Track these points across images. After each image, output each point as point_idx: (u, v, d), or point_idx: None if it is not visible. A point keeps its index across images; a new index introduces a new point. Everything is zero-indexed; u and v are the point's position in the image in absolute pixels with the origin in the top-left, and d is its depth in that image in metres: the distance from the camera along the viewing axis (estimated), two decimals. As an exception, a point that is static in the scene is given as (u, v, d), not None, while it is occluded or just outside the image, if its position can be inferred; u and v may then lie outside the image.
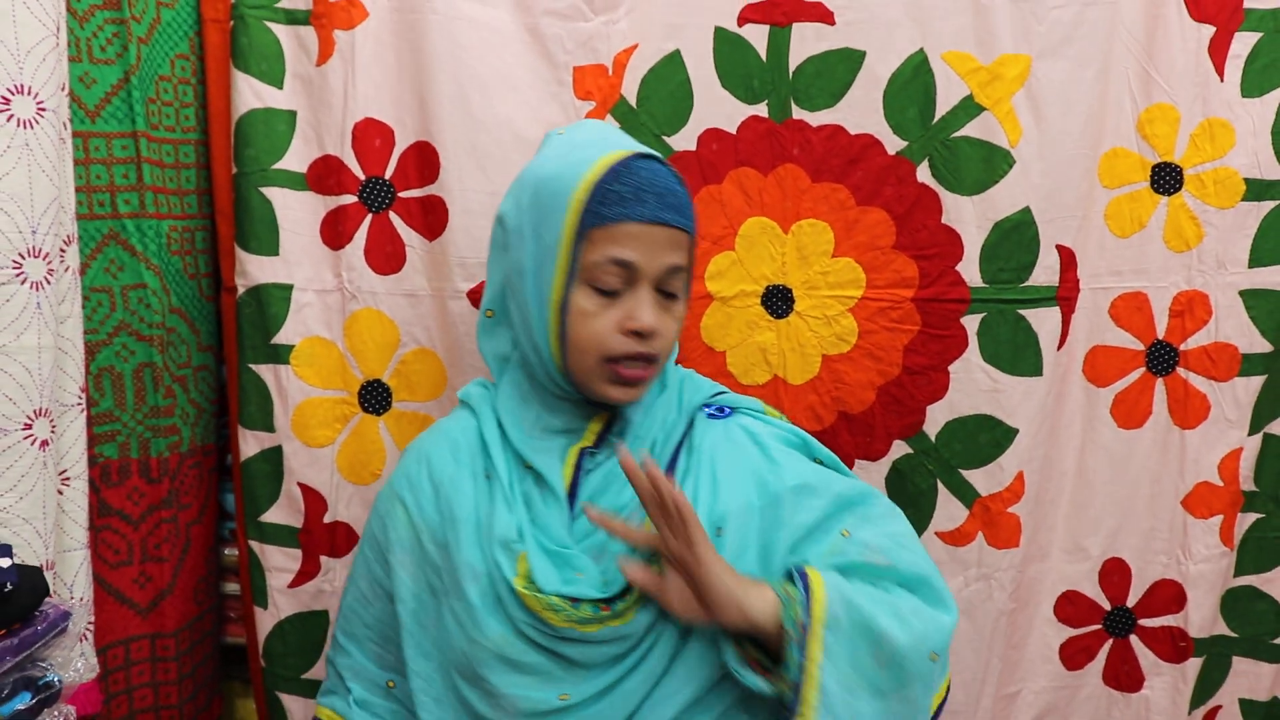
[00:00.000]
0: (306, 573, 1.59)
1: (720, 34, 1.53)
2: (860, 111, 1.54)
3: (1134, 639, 1.68)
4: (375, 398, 1.58)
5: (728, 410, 1.25)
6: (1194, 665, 1.68)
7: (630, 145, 1.16)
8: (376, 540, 1.25)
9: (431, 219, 1.53)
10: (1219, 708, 1.70)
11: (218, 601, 1.67)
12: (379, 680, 1.26)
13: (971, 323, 1.55)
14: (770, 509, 1.16)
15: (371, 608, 1.26)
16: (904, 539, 1.17)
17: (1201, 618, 1.66)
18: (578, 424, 1.20)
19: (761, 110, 1.56)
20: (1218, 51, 1.56)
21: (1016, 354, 1.56)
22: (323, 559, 1.59)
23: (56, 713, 1.06)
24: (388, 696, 1.26)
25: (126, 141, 1.44)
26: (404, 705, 1.25)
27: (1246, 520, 1.66)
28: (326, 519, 1.59)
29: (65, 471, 1.31)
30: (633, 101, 1.53)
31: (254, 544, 1.58)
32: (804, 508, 1.16)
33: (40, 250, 1.22)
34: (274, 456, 1.57)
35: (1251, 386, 1.62)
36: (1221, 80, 1.57)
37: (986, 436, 1.57)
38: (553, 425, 1.19)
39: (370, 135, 1.53)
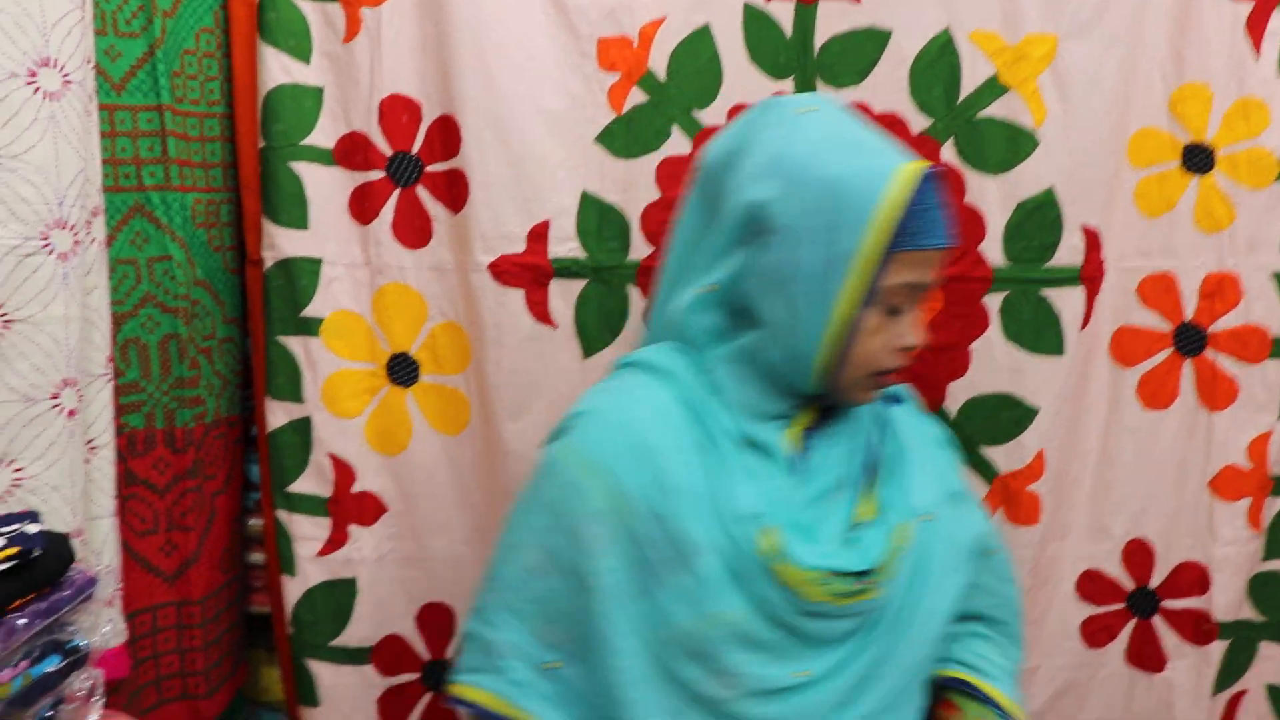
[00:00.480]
0: (335, 541, 1.61)
1: (748, 10, 1.53)
2: (885, 90, 1.53)
3: (1157, 620, 1.67)
4: (403, 370, 1.59)
5: (899, 398, 1.27)
6: (1218, 648, 1.67)
7: (902, 150, 1.11)
8: (557, 511, 1.13)
9: (455, 192, 1.54)
10: (1244, 692, 1.69)
11: (243, 571, 1.69)
12: (538, 660, 1.15)
13: (994, 301, 1.54)
14: (951, 501, 1.22)
15: (541, 581, 1.14)
16: (1011, 570, 1.33)
17: (1227, 601, 1.64)
18: (793, 411, 1.17)
19: (787, 87, 1.55)
20: (1255, 28, 1.54)
21: (1038, 333, 1.55)
22: (351, 528, 1.61)
23: (85, 675, 1.07)
24: (545, 677, 1.14)
25: (151, 114, 1.45)
26: (567, 688, 1.14)
27: (1276, 504, 1.65)
28: (355, 489, 1.60)
29: (93, 440, 1.33)
30: (661, 75, 1.53)
31: (281, 513, 1.60)
32: (971, 517, 1.25)
33: (67, 222, 1.23)
34: (303, 427, 1.58)
35: (1282, 369, 1.60)
36: (1258, 58, 1.55)
37: (1007, 415, 1.56)
38: (770, 409, 1.15)
39: (397, 111, 1.54)
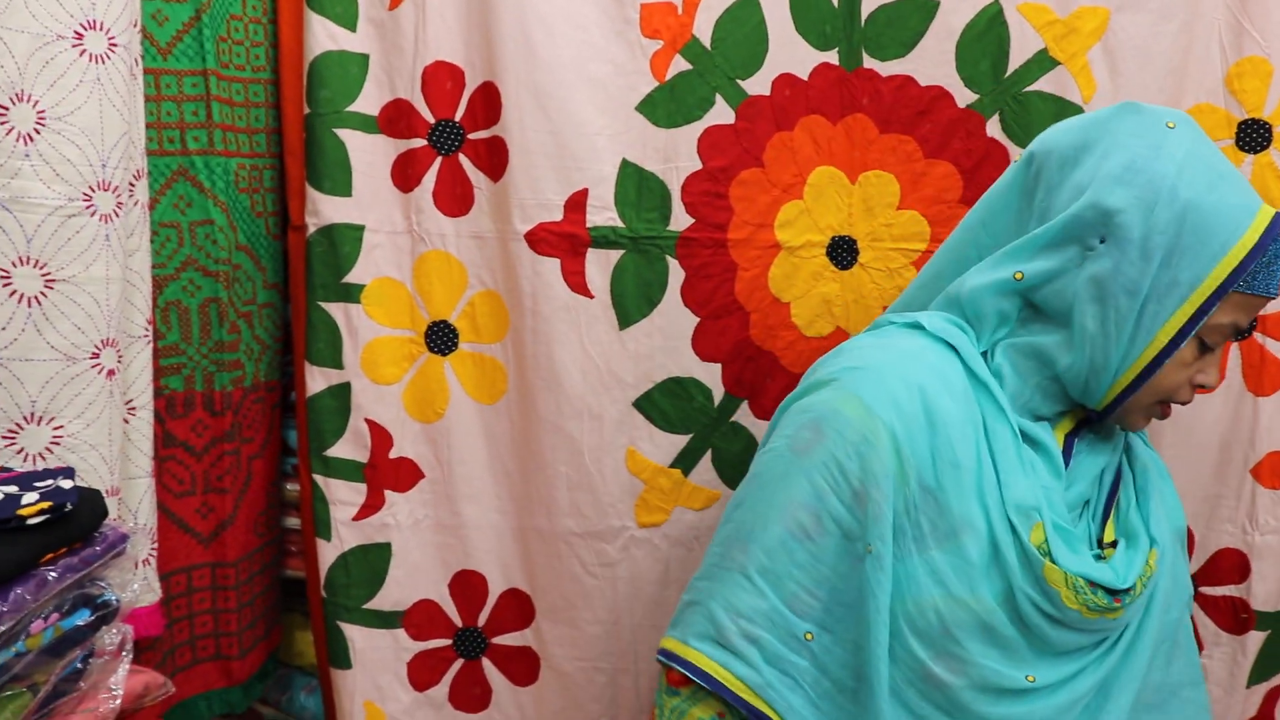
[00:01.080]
0: (371, 506, 1.62)
1: (794, -23, 1.51)
2: (931, 62, 1.51)
3: (1195, 606, 1.65)
4: (441, 338, 1.59)
5: None
6: (1255, 639, 1.64)
7: (1250, 188, 1.12)
8: (842, 468, 1.09)
9: (495, 160, 1.53)
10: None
11: (278, 535, 1.70)
12: (797, 631, 1.11)
13: (1037, 280, 1.52)
14: (1176, 541, 1.24)
15: (811, 544, 1.10)
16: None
17: (1266, 591, 1.61)
18: (1059, 415, 1.18)
19: (832, 58, 1.53)
20: (1318, 1, 1.50)
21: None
22: (387, 493, 1.62)
23: (115, 630, 1.09)
24: (803, 653, 1.12)
25: (196, 79, 1.45)
26: (812, 663, 1.12)
27: (1319, 493, 1.62)
28: (392, 454, 1.61)
29: (131, 401, 1.35)
30: (706, 42, 1.51)
31: (318, 477, 1.61)
32: (1184, 563, 1.27)
33: (110, 184, 1.24)
34: (341, 393, 1.59)
35: (1331, 354, 1.57)
36: (1320, 31, 1.51)
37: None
38: (1040, 408, 1.17)
39: (441, 78, 1.53)
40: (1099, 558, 1.14)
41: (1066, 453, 1.17)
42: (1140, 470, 1.22)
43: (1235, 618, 1.64)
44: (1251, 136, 1.52)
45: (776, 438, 1.16)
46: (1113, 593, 1.10)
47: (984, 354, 1.17)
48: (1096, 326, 1.08)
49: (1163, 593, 1.20)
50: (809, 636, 1.11)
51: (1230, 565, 1.63)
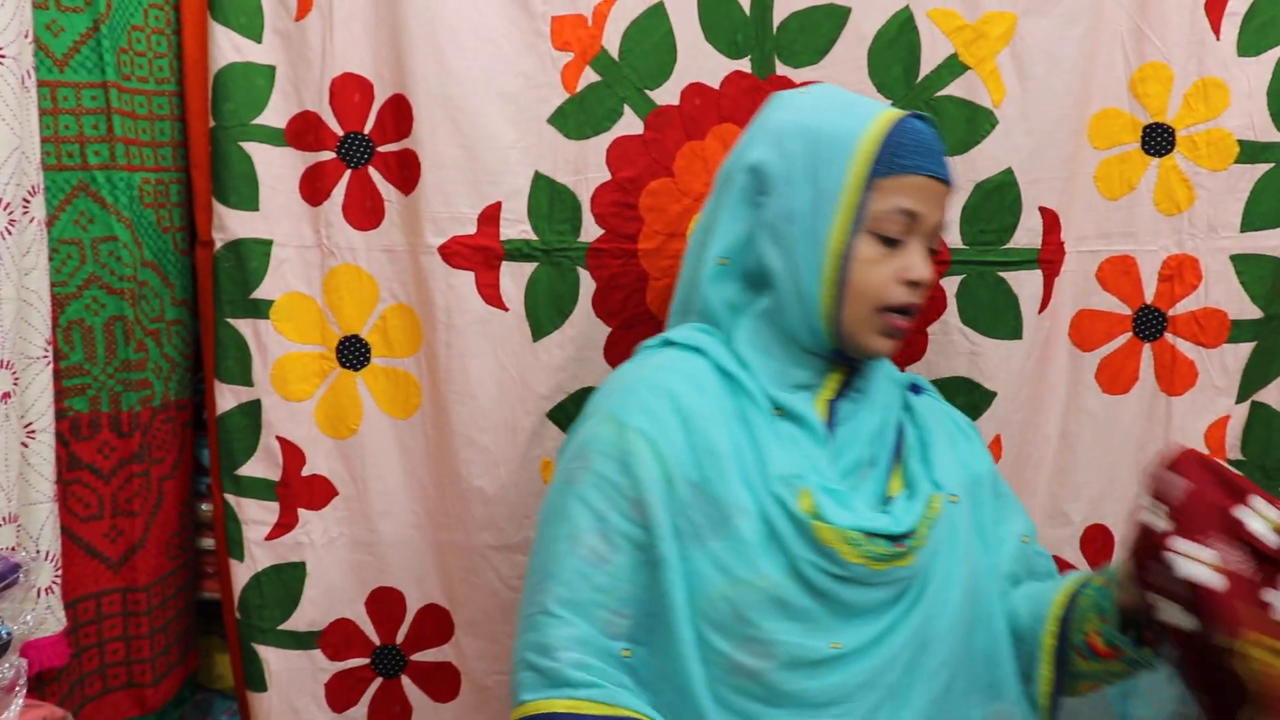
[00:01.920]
0: (284, 525, 1.59)
1: (704, -14, 1.51)
2: (844, 69, 1.52)
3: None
4: (353, 353, 1.57)
5: (920, 388, 1.33)
6: (1175, 635, 1.66)
7: (899, 108, 1.21)
8: (613, 484, 1.13)
9: (406, 173, 1.52)
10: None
11: (192, 556, 1.66)
12: (614, 650, 1.12)
13: (950, 284, 1.53)
14: (974, 487, 1.26)
15: (606, 565, 1.12)
16: None
17: (1183, 586, 1.64)
18: (816, 379, 1.21)
19: (745, 66, 1.53)
20: (1214, 9, 1.53)
21: (996, 317, 1.54)
22: (300, 511, 1.59)
23: (8, 664, 1.05)
24: (625, 669, 1.13)
25: (96, 92, 1.42)
26: (636, 677, 1.13)
27: (1232, 489, 1.63)
28: (304, 472, 1.58)
29: (31, 424, 1.31)
30: (614, 54, 1.50)
31: (230, 497, 1.58)
32: (997, 496, 1.30)
33: (1, 200, 1.21)
34: (252, 410, 1.56)
35: (1240, 353, 1.60)
36: (1218, 39, 1.54)
37: (964, 399, 1.54)
38: (795, 378, 1.20)
39: (349, 90, 1.51)
40: (889, 509, 1.17)
41: (832, 419, 1.21)
42: (924, 425, 1.26)
43: (1157, 614, 1.65)
44: (1156, 140, 1.55)
45: (553, 478, 1.22)
46: (894, 539, 1.13)
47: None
48: (783, 262, 1.17)
49: (963, 537, 1.22)
50: (626, 654, 1.13)
51: (1150, 563, 1.64)
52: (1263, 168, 1.55)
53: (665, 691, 1.13)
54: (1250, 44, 1.53)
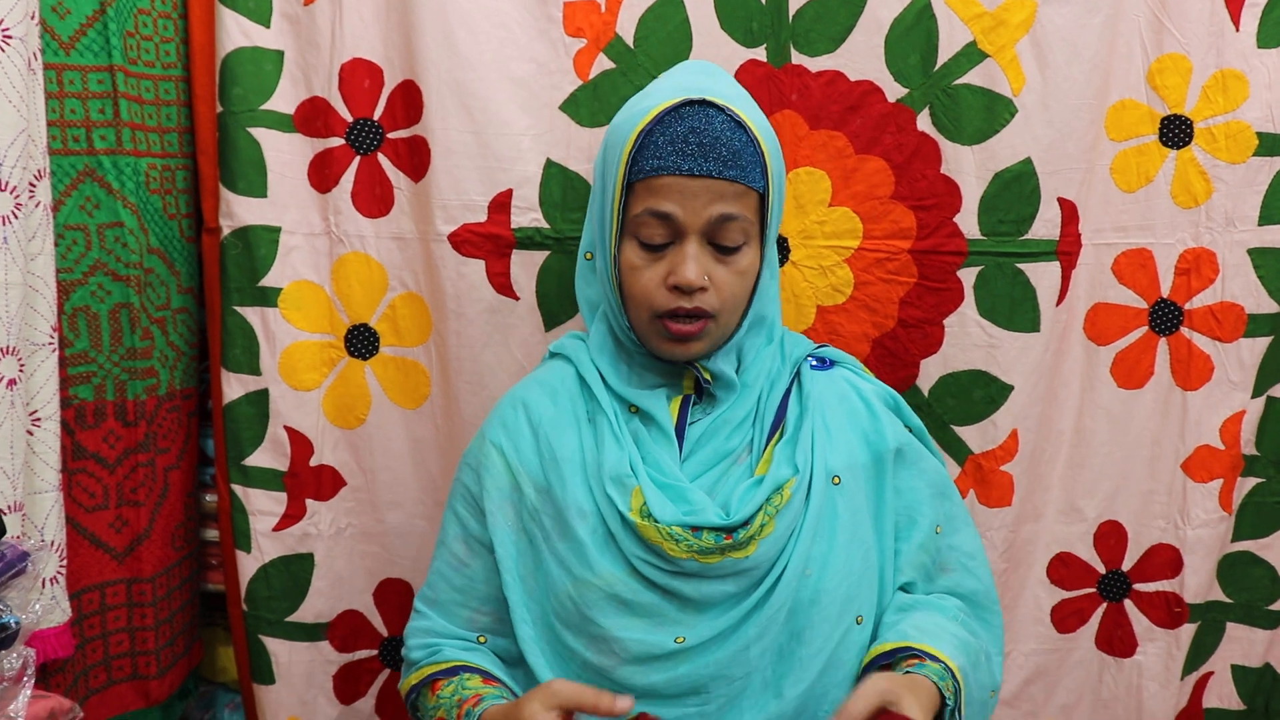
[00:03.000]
0: (292, 515, 1.58)
1: (719, -26, 1.49)
2: (861, 57, 1.50)
3: (1128, 603, 1.65)
4: (362, 342, 1.55)
5: (829, 362, 1.26)
6: (1188, 631, 1.65)
7: (699, 90, 1.12)
8: (470, 493, 1.23)
9: (416, 160, 1.50)
10: (1211, 674, 1.68)
11: (198, 547, 1.65)
12: (468, 637, 1.23)
13: (968, 276, 1.51)
14: (875, 465, 1.20)
15: (466, 569, 1.22)
16: (980, 551, 1.28)
17: (1198, 583, 1.63)
18: (670, 380, 1.20)
19: (760, 54, 1.51)
20: (1234, 0, 1.51)
21: (1013, 309, 1.52)
22: (308, 502, 1.58)
23: (15, 654, 1.04)
24: (480, 653, 1.22)
25: (103, 75, 1.40)
26: (498, 661, 1.22)
27: (1246, 485, 1.63)
28: (313, 462, 1.57)
29: (36, 412, 1.30)
30: (629, 41, 1.49)
31: (237, 487, 1.56)
32: (904, 478, 1.22)
33: (7, 184, 1.19)
34: (259, 400, 1.55)
35: (1257, 348, 1.58)
36: (1237, 30, 1.52)
37: (981, 393, 1.53)
38: (647, 380, 1.20)
39: (359, 76, 1.50)
40: (726, 501, 1.14)
41: (685, 415, 1.19)
42: (809, 404, 1.19)
43: (1169, 612, 1.65)
44: (1174, 132, 1.53)
45: None
46: (725, 530, 1.10)
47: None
48: (600, 265, 1.19)
49: (846, 520, 1.16)
50: (481, 640, 1.23)
51: (1163, 561, 1.64)
52: (1281, 161, 1.53)
53: (521, 679, 1.19)
54: (1270, 35, 1.51)
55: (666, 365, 1.19)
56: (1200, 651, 1.66)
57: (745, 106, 1.15)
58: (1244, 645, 1.67)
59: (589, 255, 1.23)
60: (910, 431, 1.25)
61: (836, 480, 1.16)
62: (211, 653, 1.73)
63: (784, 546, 1.13)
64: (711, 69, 1.25)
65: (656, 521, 1.10)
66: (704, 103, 1.11)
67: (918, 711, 1.00)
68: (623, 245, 1.13)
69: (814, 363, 1.24)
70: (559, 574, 1.14)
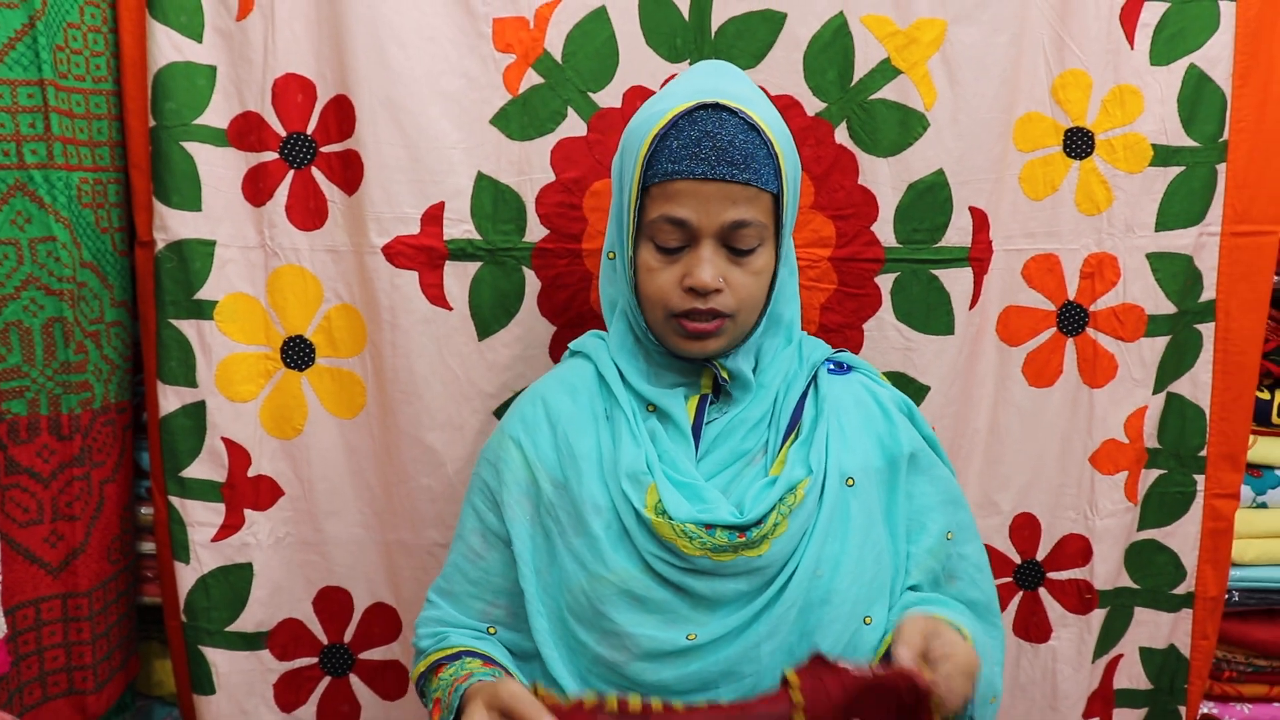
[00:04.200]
0: (230, 526, 1.59)
1: (645, -10, 1.53)
2: (780, 72, 1.55)
3: (1043, 591, 1.73)
4: (298, 353, 1.57)
5: (847, 367, 1.28)
6: (1098, 616, 1.73)
7: (713, 92, 1.14)
8: (488, 487, 1.25)
9: (350, 174, 1.52)
10: (1121, 656, 1.76)
11: (134, 560, 1.65)
12: (479, 628, 1.24)
13: (885, 282, 1.57)
14: (889, 470, 1.22)
15: (481, 561, 1.24)
16: (986, 564, 1.30)
17: (1106, 571, 1.71)
18: (688, 379, 1.22)
19: (683, 69, 1.56)
20: (1128, 19, 1.59)
21: (929, 313, 1.59)
22: (246, 512, 1.59)
23: (-43, 668, 1.04)
24: (491, 643, 1.23)
25: (33, 89, 1.40)
26: (510, 653, 1.23)
27: (1150, 476, 1.72)
28: (250, 473, 1.58)
29: (-30, 427, 1.30)
30: (557, 56, 1.53)
31: (174, 499, 1.57)
32: (916, 483, 1.24)
33: (-61, 200, 1.19)
34: (196, 412, 1.56)
35: (1156, 346, 1.67)
36: (1132, 48, 1.60)
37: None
38: (666, 379, 1.22)
39: (292, 91, 1.52)
40: (740, 500, 1.17)
41: (702, 414, 1.21)
42: (825, 407, 1.21)
43: (1080, 599, 1.72)
44: (1077, 143, 1.61)
45: None
46: (738, 529, 1.12)
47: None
48: (620, 264, 1.21)
49: (859, 522, 1.18)
50: (491, 631, 1.25)
51: (1075, 550, 1.71)
52: (1174, 170, 1.62)
53: (535, 673, 1.21)
54: (1161, 53, 1.60)
55: (685, 364, 1.21)
56: (1110, 635, 1.74)
57: (759, 108, 1.16)
58: (1150, 628, 1.75)
59: (611, 255, 1.24)
60: (924, 439, 1.27)
61: (850, 482, 1.18)
62: (147, 666, 1.73)
63: (796, 546, 1.14)
64: (725, 69, 1.25)
65: (671, 518, 1.11)
66: (717, 106, 1.12)
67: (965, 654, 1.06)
68: (639, 247, 1.16)
69: (831, 366, 1.27)
70: (573, 569, 1.16)
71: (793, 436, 1.20)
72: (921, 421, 1.28)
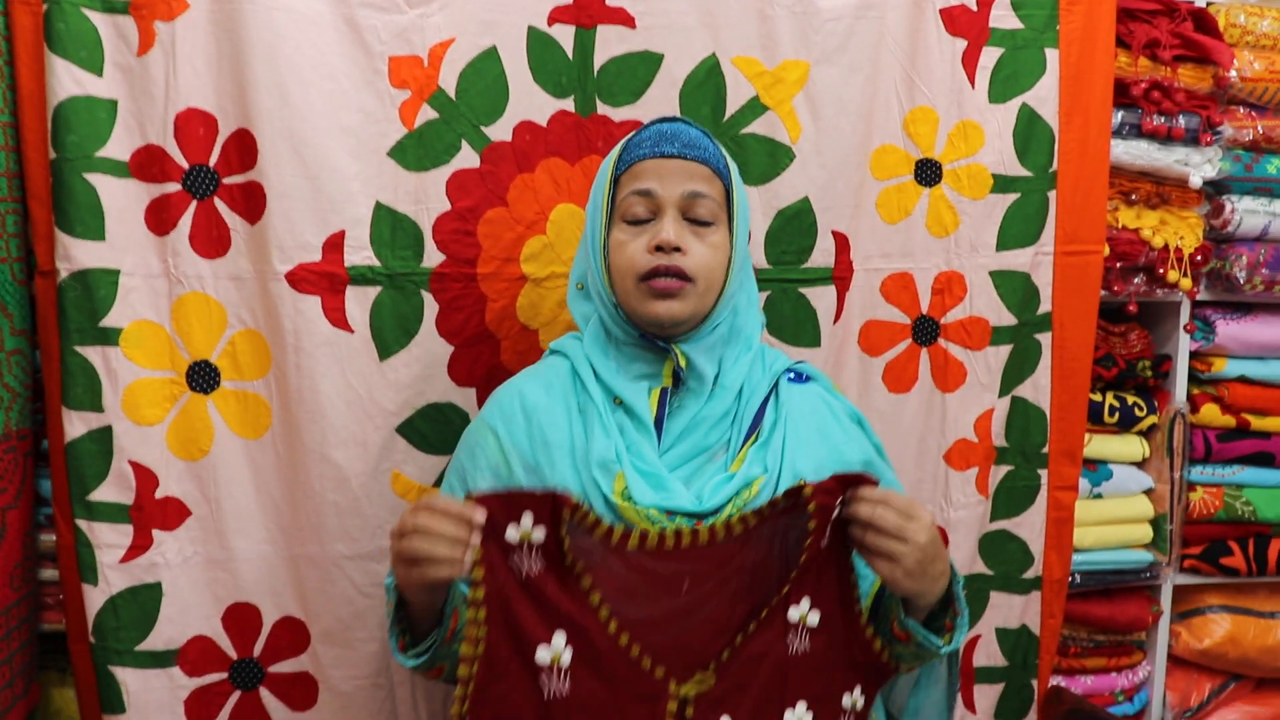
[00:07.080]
0: (139, 546, 1.61)
1: (532, 32, 1.64)
2: (659, 108, 1.67)
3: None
4: (203, 377, 1.61)
5: (805, 377, 1.38)
6: (957, 602, 1.88)
7: (674, 120, 1.35)
8: (464, 470, 1.35)
9: (252, 204, 1.58)
10: (978, 637, 1.91)
11: (35, 588, 1.65)
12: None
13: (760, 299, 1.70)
14: (847, 467, 1.27)
15: None
16: None
17: (962, 558, 1.86)
18: (653, 369, 1.32)
19: (569, 105, 1.67)
20: (969, 62, 1.77)
21: (798, 327, 1.73)
22: (155, 533, 1.61)
23: None
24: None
25: (-67, 123, 1.42)
26: None
27: (999, 472, 1.88)
28: (158, 494, 1.61)
29: (-120, 455, 1.31)
30: (451, 92, 1.61)
31: (81, 522, 1.59)
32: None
33: None
34: (102, 436, 1.58)
35: (1001, 355, 1.84)
36: (973, 88, 1.78)
37: (773, 403, 1.72)
38: (631, 371, 1.32)
39: (193, 125, 1.56)
40: (701, 490, 1.26)
41: (664, 407, 1.32)
42: (785, 412, 1.32)
43: (940, 588, 1.87)
44: (926, 173, 1.77)
45: None
46: (697, 517, 1.22)
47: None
48: (590, 268, 1.34)
49: None
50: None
51: (935, 541, 1.86)
52: (1011, 197, 1.80)
53: None
54: (998, 93, 1.78)
55: (650, 353, 1.31)
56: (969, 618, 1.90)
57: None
58: (1004, 610, 1.91)
59: (580, 285, 1.39)
60: (873, 447, 1.38)
61: (802, 483, 1.24)
62: (46, 695, 1.72)
63: None
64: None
65: (636, 504, 1.22)
66: (679, 119, 1.35)
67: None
68: (611, 231, 1.30)
69: (791, 376, 1.37)
70: None
71: (753, 438, 1.31)
72: (870, 431, 1.40)
